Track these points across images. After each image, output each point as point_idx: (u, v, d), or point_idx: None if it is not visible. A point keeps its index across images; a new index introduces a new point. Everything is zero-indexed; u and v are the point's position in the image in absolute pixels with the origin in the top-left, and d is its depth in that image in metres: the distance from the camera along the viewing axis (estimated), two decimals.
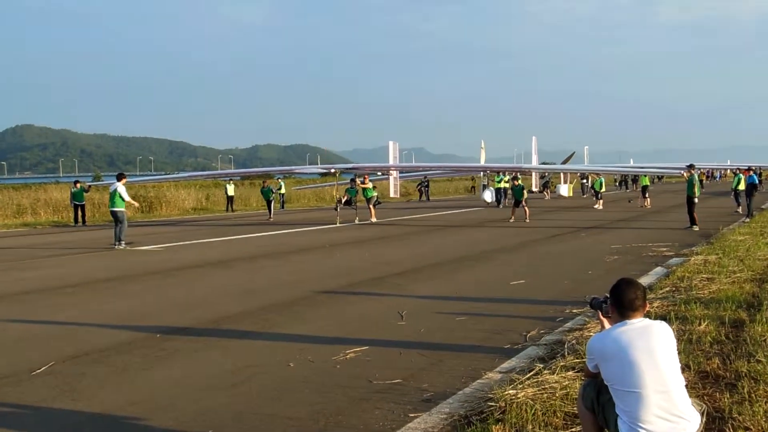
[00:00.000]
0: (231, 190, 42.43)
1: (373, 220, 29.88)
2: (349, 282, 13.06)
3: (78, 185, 33.64)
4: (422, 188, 54.49)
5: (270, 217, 33.04)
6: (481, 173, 44.94)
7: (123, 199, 20.87)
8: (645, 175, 41.29)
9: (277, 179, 46.20)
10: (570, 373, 6.35)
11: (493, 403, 5.76)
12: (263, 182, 37.31)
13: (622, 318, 4.20)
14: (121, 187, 20.89)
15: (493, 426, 5.23)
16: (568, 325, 8.85)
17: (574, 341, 7.67)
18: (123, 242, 20.49)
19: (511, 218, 28.54)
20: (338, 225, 27.87)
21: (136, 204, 25.32)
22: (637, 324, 4.15)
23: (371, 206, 30.58)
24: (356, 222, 29.19)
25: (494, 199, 41.82)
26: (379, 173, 46.75)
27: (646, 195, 37.38)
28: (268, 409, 5.99)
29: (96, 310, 10.73)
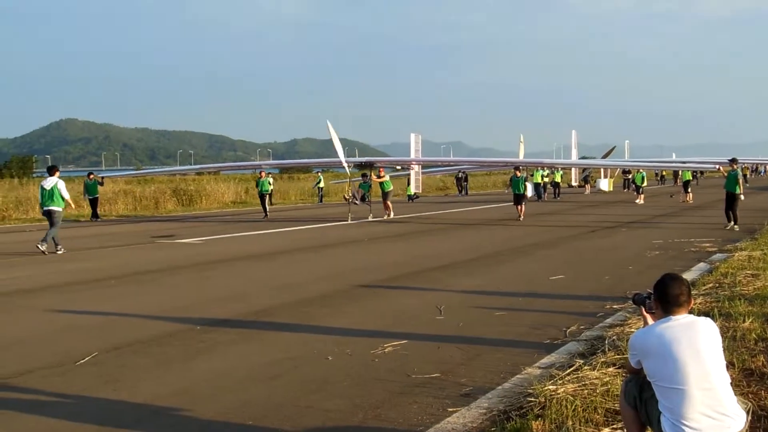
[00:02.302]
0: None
1: (389, 215, 28.41)
2: (387, 276, 13.07)
3: (91, 177, 32.07)
4: (460, 182, 54.04)
5: (264, 216, 29.75)
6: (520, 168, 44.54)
7: (63, 197, 18.21)
8: (687, 170, 40.63)
9: (317, 173, 46.27)
10: (611, 369, 6.27)
11: (532, 399, 5.72)
12: (260, 174, 33.28)
13: (666, 314, 4.14)
14: (60, 183, 18.25)
15: (533, 422, 5.19)
16: (609, 320, 8.75)
17: (615, 337, 7.58)
18: (59, 247, 17.76)
19: (520, 217, 26.35)
20: (350, 222, 26.25)
21: (73, 205, 21.16)
22: (682, 320, 4.09)
23: (388, 201, 29.07)
24: (369, 219, 27.62)
25: (534, 193, 41.54)
26: (398, 167, 45.28)
27: (688, 190, 36.83)
28: (307, 402, 6.01)
29: (137, 301, 10.87)
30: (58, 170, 18.98)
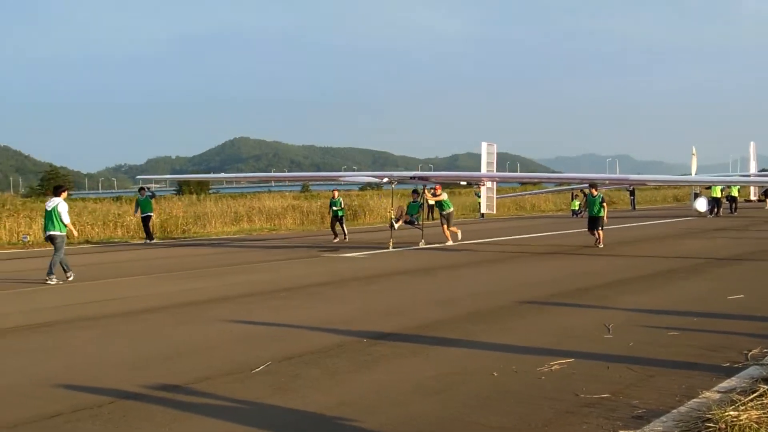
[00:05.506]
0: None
1: (451, 240, 23.87)
2: (551, 292, 12.81)
3: (143, 193, 27.85)
4: (630, 196, 52.42)
5: (344, 237, 26.46)
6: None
7: (63, 222, 15.70)
8: None
9: (430, 189, 45.34)
10: None
11: (711, 425, 5.42)
12: (333, 194, 27.71)
13: None
14: (62, 205, 15.74)
15: None
16: None
17: None
18: (69, 272, 15.70)
19: (598, 243, 21.51)
20: (391, 249, 22.26)
21: (75, 233, 17.83)
22: None
23: (446, 226, 24.15)
24: (421, 245, 23.16)
25: (708, 208, 39.27)
26: (462, 182, 39.58)
27: None
28: (473, 417, 6.00)
29: (307, 313, 11.25)
30: (65, 190, 16.60)
